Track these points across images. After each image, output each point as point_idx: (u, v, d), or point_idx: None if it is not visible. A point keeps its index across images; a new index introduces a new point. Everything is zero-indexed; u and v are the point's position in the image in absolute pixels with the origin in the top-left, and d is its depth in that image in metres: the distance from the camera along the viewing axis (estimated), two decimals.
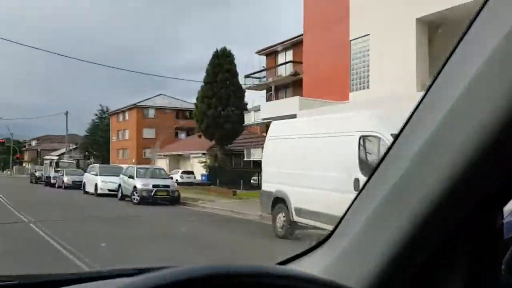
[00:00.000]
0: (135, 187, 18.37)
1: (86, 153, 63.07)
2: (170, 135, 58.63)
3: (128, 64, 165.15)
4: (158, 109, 60.65)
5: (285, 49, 30.15)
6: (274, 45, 30.67)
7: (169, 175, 23.74)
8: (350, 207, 0.89)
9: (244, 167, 37.84)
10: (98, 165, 26.20)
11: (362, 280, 0.79)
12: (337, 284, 0.70)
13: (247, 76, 31.84)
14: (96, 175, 23.53)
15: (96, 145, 62.58)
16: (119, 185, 20.46)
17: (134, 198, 18.30)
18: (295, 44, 29.13)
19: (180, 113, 61.53)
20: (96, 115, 66.07)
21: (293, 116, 16.88)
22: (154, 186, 18.13)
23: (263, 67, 31.81)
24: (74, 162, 40.08)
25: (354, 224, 0.85)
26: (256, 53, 31.81)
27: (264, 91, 32.16)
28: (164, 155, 49.71)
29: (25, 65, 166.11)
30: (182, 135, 59.05)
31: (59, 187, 30.60)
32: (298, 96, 17.85)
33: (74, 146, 62.77)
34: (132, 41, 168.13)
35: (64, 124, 52.87)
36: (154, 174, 19.86)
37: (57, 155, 46.70)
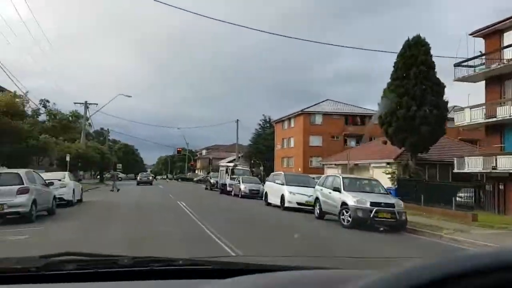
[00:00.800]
0: (344, 204, 13.73)
1: (252, 161, 63.44)
2: (339, 143, 54.12)
3: (284, 78, 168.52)
4: (326, 115, 56.72)
5: None
6: (498, 22, 23.22)
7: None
8: None
9: (441, 179, 30.74)
10: (283, 173, 22.71)
11: None
12: None
13: (457, 65, 24.95)
14: (282, 184, 19.94)
15: (259, 153, 62.76)
16: (316, 198, 16.24)
17: (344, 219, 13.65)
18: None
19: (349, 118, 56.53)
20: (260, 124, 67.69)
21: None
22: (372, 204, 13.17)
23: (480, 52, 24.53)
24: (248, 169, 38.46)
25: None
26: (471, 34, 24.71)
27: (483, 82, 24.76)
28: (335, 164, 45.14)
29: (201, 85, 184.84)
30: (352, 143, 53.87)
31: (235, 195, 28.71)
32: None
33: (240, 155, 63.82)
34: (288, 54, 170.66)
35: (228, 135, 53.51)
36: (367, 187, 14.94)
37: (227, 162, 46.50)
